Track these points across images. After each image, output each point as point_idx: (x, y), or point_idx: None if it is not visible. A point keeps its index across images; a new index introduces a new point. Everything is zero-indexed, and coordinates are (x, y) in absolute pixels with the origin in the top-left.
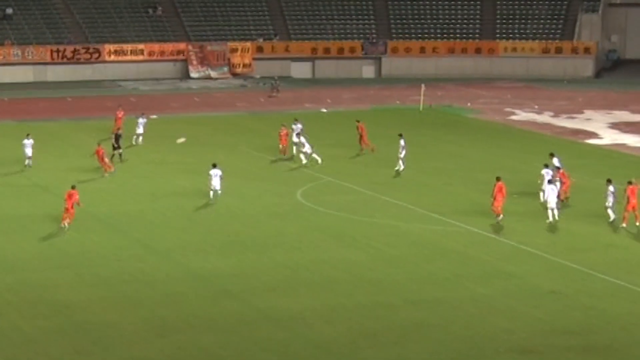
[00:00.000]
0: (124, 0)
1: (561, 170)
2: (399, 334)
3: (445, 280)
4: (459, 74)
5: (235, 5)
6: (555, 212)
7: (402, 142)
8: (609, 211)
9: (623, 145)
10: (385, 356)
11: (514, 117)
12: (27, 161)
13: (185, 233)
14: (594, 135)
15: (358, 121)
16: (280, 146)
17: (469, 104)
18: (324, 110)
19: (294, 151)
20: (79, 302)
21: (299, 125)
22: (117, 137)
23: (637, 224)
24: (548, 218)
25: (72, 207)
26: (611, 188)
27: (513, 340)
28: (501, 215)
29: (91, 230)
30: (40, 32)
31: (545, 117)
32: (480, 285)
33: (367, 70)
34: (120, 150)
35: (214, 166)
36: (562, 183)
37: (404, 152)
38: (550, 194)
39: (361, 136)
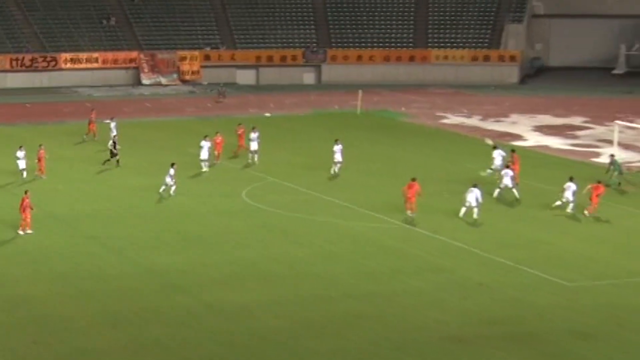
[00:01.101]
0: (79, 12)
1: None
2: (339, 325)
3: (382, 274)
4: (393, 80)
5: (184, 16)
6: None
7: (337, 147)
8: (569, 204)
9: (546, 146)
10: (326, 346)
11: (445, 121)
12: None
13: (138, 231)
14: (519, 137)
15: (239, 124)
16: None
17: (403, 109)
18: (268, 115)
19: (250, 157)
20: (37, 296)
21: (257, 134)
22: (115, 143)
23: (586, 212)
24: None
25: (26, 213)
26: (570, 184)
27: (444, 330)
28: (415, 213)
29: (49, 229)
30: (0, 41)
31: (474, 121)
32: (414, 279)
33: (308, 77)
34: (118, 157)
35: (172, 165)
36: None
37: (339, 155)
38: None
39: (239, 137)
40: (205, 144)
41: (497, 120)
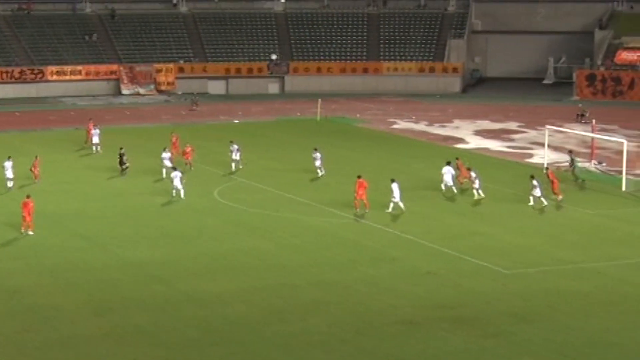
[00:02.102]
0: (64, 28)
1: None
2: (303, 310)
3: (341, 264)
4: (349, 90)
5: (160, 32)
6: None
7: (317, 154)
8: (542, 199)
9: (486, 149)
10: (291, 329)
11: (395, 126)
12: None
13: (120, 227)
14: (461, 140)
15: (172, 132)
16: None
17: (358, 115)
18: (236, 121)
19: (234, 167)
20: (28, 287)
21: (236, 146)
22: (122, 155)
23: (560, 197)
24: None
25: (29, 215)
26: (535, 182)
27: (398, 314)
28: (367, 209)
29: (39, 226)
30: None
31: (421, 126)
32: (370, 268)
33: (273, 87)
34: (126, 165)
35: (174, 169)
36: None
37: (319, 162)
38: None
39: (174, 145)
40: (166, 155)
41: (442, 125)
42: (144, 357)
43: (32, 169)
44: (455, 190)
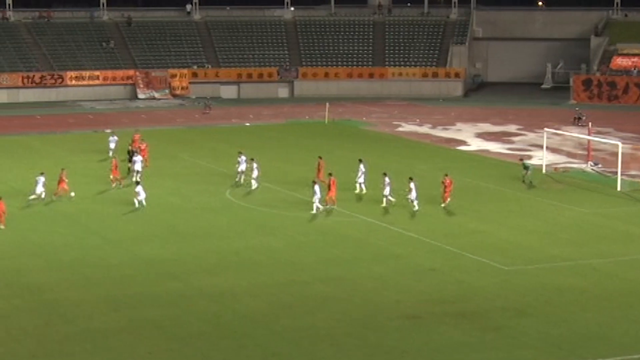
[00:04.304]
0: (82, 36)
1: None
2: (311, 305)
3: (347, 261)
4: (356, 94)
5: (175, 39)
6: (391, 198)
7: (362, 166)
8: (386, 198)
9: (486, 150)
10: (300, 324)
11: (400, 129)
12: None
13: (134, 226)
14: (463, 143)
15: (136, 130)
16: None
17: (364, 118)
18: (248, 124)
19: (238, 177)
20: (47, 283)
21: (244, 157)
22: (132, 152)
23: (442, 205)
24: (382, 203)
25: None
26: (387, 180)
27: (401, 309)
28: (335, 205)
29: (58, 225)
30: (12, 62)
31: (425, 129)
32: (375, 265)
33: (282, 92)
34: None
35: (137, 183)
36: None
37: (362, 177)
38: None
39: (142, 150)
40: (138, 158)
41: (445, 128)
42: (158, 350)
43: (58, 183)
44: (415, 205)
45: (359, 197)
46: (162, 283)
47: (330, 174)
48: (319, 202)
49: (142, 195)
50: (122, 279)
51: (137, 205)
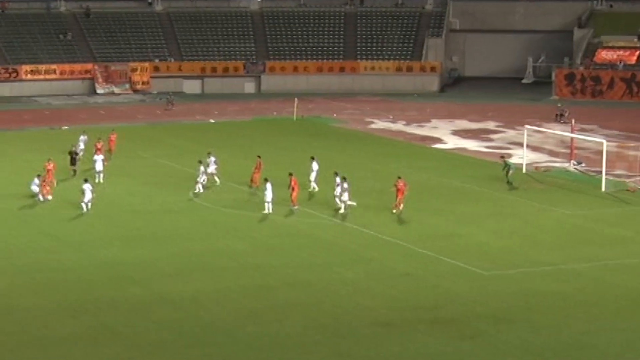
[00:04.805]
0: (38, 27)
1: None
2: (278, 312)
3: (317, 265)
4: (326, 89)
5: (135, 31)
6: (345, 203)
7: (314, 164)
8: (337, 200)
9: (463, 149)
10: (267, 332)
11: (372, 126)
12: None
13: (93, 228)
14: (439, 140)
15: (113, 130)
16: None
17: (334, 115)
18: (212, 121)
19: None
20: (0, 289)
21: (213, 158)
22: (74, 154)
23: (394, 211)
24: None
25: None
26: (337, 180)
27: (374, 316)
28: (297, 206)
29: (9, 226)
30: None
31: (399, 126)
32: (346, 269)
33: (249, 87)
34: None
35: (85, 181)
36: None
37: (314, 175)
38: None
39: (110, 147)
40: (99, 158)
41: (420, 125)
42: (117, 359)
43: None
44: (342, 206)
45: (311, 195)
46: (121, 288)
47: (290, 174)
48: (270, 203)
49: (88, 197)
50: (80, 283)
51: (83, 208)
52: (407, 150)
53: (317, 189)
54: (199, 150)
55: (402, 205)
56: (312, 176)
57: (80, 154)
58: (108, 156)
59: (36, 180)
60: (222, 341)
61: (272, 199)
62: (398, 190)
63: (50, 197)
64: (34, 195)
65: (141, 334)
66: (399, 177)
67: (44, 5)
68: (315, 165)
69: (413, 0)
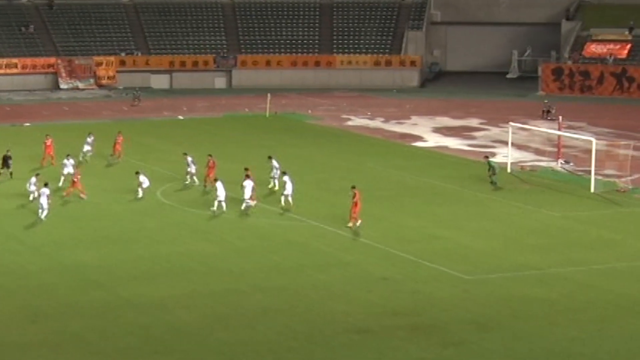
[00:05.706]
0: None
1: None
2: (249, 317)
3: (290, 269)
4: (300, 84)
5: (100, 23)
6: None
7: (274, 162)
8: (285, 197)
9: (445, 147)
10: (237, 338)
11: (349, 123)
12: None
13: (56, 229)
14: (419, 138)
15: (47, 135)
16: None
17: (309, 111)
18: (181, 118)
19: (189, 180)
20: None
21: (190, 158)
22: (7, 157)
23: (350, 224)
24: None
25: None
26: (286, 178)
27: (350, 322)
28: (255, 202)
29: None
30: None
31: (377, 123)
32: (321, 273)
33: (219, 82)
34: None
35: (45, 185)
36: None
37: (276, 172)
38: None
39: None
40: (69, 162)
41: (399, 122)
42: None
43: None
44: (290, 201)
45: (272, 191)
46: (86, 292)
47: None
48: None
49: (44, 201)
50: (42, 287)
51: (39, 212)
52: (385, 149)
53: (277, 187)
54: (166, 149)
55: (359, 221)
56: (273, 173)
57: (88, 155)
58: (114, 158)
59: (33, 180)
60: (191, 347)
61: (225, 197)
62: (355, 202)
63: (84, 197)
64: (28, 195)
65: (106, 340)
66: (353, 187)
67: None
68: (275, 164)
69: None
